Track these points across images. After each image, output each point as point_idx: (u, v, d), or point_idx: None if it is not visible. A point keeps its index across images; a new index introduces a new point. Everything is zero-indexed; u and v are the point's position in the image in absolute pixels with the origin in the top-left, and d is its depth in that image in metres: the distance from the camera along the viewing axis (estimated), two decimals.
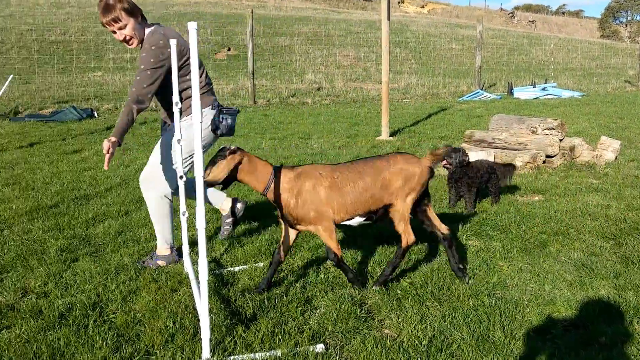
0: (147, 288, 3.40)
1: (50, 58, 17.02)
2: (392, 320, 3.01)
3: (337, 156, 7.47)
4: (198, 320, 2.94)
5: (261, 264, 3.78)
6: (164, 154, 3.80)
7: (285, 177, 3.20)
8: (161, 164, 3.80)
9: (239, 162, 3.16)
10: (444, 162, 5.07)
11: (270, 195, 3.21)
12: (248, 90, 13.62)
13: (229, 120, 3.83)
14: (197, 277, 3.25)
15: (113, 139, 3.44)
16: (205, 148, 3.87)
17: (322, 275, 3.58)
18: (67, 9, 24.23)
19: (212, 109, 3.82)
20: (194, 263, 3.55)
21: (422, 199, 3.40)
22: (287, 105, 13.32)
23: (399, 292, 3.31)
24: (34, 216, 4.93)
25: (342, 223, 3.29)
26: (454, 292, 3.30)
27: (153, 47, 3.54)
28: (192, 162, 3.79)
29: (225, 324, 2.92)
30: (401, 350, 2.69)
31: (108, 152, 3.38)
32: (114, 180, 6.23)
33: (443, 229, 3.43)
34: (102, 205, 5.29)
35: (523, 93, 14.71)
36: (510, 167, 5.35)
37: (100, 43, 18.67)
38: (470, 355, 2.66)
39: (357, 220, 3.32)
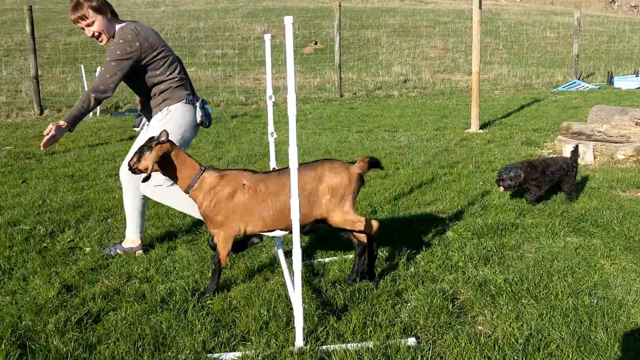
0: (242, 276, 3.51)
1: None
2: (485, 317, 2.94)
3: (425, 149, 7.37)
4: (291, 309, 3.00)
5: (350, 256, 3.80)
6: None
7: (208, 178, 3.16)
8: None
9: (166, 153, 3.12)
10: (502, 188, 4.90)
11: (192, 194, 3.18)
12: (334, 84, 13.68)
13: (209, 110, 3.97)
14: (289, 267, 3.33)
15: (62, 123, 3.54)
16: (189, 140, 3.94)
17: (412, 269, 3.55)
18: (163, 8, 25.29)
19: (185, 102, 3.87)
20: (287, 255, 3.63)
21: None
22: (373, 98, 13.27)
23: (493, 288, 3.23)
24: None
25: (261, 233, 3.25)
26: (551, 290, 3.18)
27: (121, 41, 3.63)
28: None
29: (317, 313, 2.96)
30: (496, 347, 2.63)
31: (48, 134, 3.46)
32: None
33: (361, 237, 3.30)
34: None
35: (624, 82, 13.86)
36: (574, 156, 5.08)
37: (193, 39, 19.37)
38: (571, 356, 2.56)
39: (279, 233, 3.25)
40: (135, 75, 3.75)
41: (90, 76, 12.64)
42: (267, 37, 3.63)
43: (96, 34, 3.72)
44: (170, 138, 3.30)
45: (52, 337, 2.79)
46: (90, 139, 8.83)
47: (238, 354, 2.63)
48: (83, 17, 3.67)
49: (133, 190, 3.99)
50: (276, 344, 2.68)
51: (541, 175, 4.86)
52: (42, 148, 3.54)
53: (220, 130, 9.49)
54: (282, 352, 2.61)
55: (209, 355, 2.63)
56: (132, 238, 4.07)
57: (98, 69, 11.84)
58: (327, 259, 3.80)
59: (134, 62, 3.67)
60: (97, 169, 6.77)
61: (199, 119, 3.89)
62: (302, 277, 3.36)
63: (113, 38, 3.74)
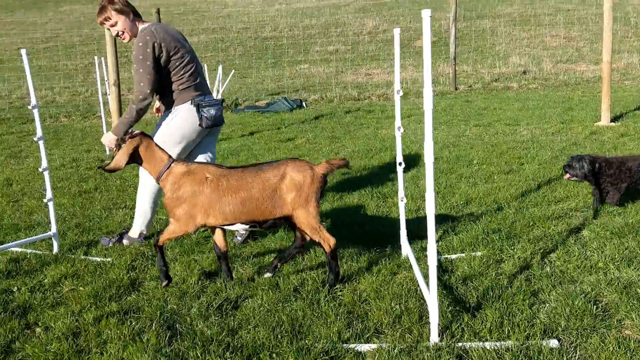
0: (369, 270, 3.54)
1: (263, 53, 18.41)
2: (633, 320, 2.76)
3: (551, 143, 7.03)
4: (422, 304, 2.98)
5: (479, 253, 3.71)
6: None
7: (175, 170, 3.31)
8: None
9: (137, 146, 3.33)
10: (567, 175, 4.53)
11: (161, 183, 3.36)
12: (449, 77, 13.39)
13: (212, 111, 4.02)
14: (417, 262, 3.31)
15: (113, 136, 3.98)
16: (192, 141, 4.10)
17: (547, 269, 3.41)
18: (277, 6, 25.97)
19: (191, 104, 4.02)
20: (420, 250, 3.61)
21: None
22: (490, 91, 12.85)
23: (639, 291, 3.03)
24: None
25: (222, 226, 3.36)
26: None
27: (140, 44, 3.89)
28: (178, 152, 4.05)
29: (449, 310, 2.92)
30: None
31: (109, 146, 4.01)
32: None
33: (307, 238, 3.35)
34: None
35: None
36: None
37: (306, 37, 19.74)
38: None
39: (239, 226, 3.33)
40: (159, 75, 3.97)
41: (211, 74, 13.25)
42: (397, 32, 3.61)
43: (120, 32, 4.03)
44: (169, 138, 3.83)
45: (196, 320, 2.96)
46: None
47: (373, 345, 2.65)
48: (107, 19, 4.00)
49: (151, 185, 4.19)
50: (410, 339, 2.68)
51: (617, 172, 4.46)
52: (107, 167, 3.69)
53: (335, 125, 9.60)
54: (418, 347, 2.60)
55: (345, 345, 2.67)
56: (139, 231, 4.28)
57: (220, 68, 12.39)
58: (453, 256, 3.74)
59: (156, 61, 3.91)
60: (223, 163, 7.08)
61: (198, 121, 4.02)
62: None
63: (135, 37, 4.02)
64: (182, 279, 3.52)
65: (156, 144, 3.43)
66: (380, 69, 15.86)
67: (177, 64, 3.98)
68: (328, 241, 3.29)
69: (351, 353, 2.60)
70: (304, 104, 12.11)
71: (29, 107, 4.15)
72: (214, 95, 12.09)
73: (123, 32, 4.04)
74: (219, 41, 20.09)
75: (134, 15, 4.06)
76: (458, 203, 4.90)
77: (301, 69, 16.49)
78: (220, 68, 12.36)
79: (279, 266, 3.53)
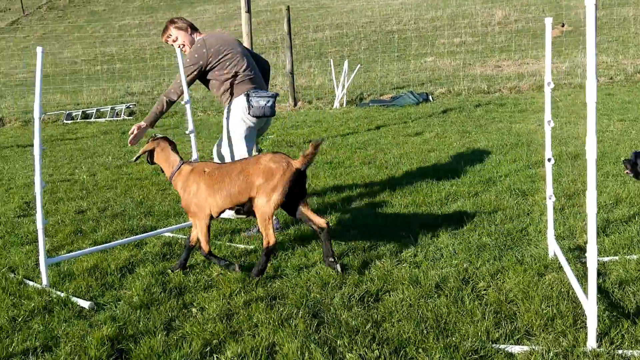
0: (513, 269, 3.41)
1: (387, 47, 18.35)
2: None
3: None
4: (575, 307, 2.84)
5: (634, 256, 3.46)
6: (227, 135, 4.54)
7: (183, 171, 3.71)
8: (229, 144, 4.54)
9: (153, 149, 3.83)
10: (626, 170, 3.98)
11: (173, 182, 3.77)
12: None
13: (262, 102, 4.36)
14: (568, 262, 3.15)
15: (143, 123, 4.41)
16: (252, 127, 4.49)
17: None
18: (400, 0, 25.77)
19: (243, 95, 4.44)
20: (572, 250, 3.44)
21: (298, 197, 3.54)
22: (634, 83, 11.91)
23: None
24: (392, 192, 5.39)
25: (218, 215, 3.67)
26: None
27: (192, 50, 4.49)
28: (231, 140, 4.51)
29: (606, 315, 2.75)
30: None
31: (133, 132, 4.34)
32: (457, 163, 6.42)
33: (320, 222, 3.54)
34: (451, 185, 5.51)
35: None
36: None
37: (431, 29, 19.42)
38: None
39: (228, 213, 3.66)
40: (211, 77, 4.52)
41: (336, 69, 13.41)
42: (548, 21, 3.45)
43: (181, 45, 4.61)
44: (237, 130, 4.38)
45: (340, 310, 3.03)
46: (341, 129, 9.39)
47: (525, 347, 2.56)
48: (169, 36, 4.65)
49: None
50: (566, 343, 2.55)
51: None
52: (129, 145, 4.42)
53: (465, 119, 9.36)
54: (574, 352, 2.48)
55: (494, 345, 2.60)
56: None
57: (345, 63, 12.52)
58: (606, 258, 3.51)
59: (202, 67, 4.46)
60: (352, 156, 7.16)
61: (248, 111, 4.39)
62: (578, 274, 3.16)
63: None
64: (322, 268, 3.61)
65: (172, 148, 3.86)
66: (511, 60, 15.23)
67: (228, 63, 4.49)
68: (269, 238, 3.46)
69: (501, 354, 2.53)
70: (430, 97, 11.92)
71: (182, 102, 4.44)
72: (340, 89, 12.26)
73: (184, 45, 4.63)
74: (343, 36, 20.31)
75: (192, 29, 4.65)
76: (607, 202, 4.59)
77: (426, 62, 16.24)
78: (346, 63, 12.49)
79: (333, 260, 3.56)
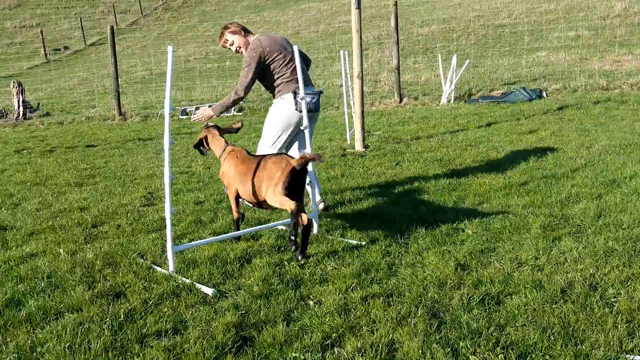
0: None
1: (496, 41, 17.75)
2: None
3: None
4: None
5: None
6: (265, 130, 5.01)
7: (226, 151, 4.36)
8: (266, 139, 4.99)
9: (206, 136, 4.52)
10: None
11: (221, 162, 4.39)
12: None
13: (308, 99, 4.71)
14: None
15: (210, 112, 4.84)
16: (295, 123, 4.87)
17: None
18: None
19: (290, 93, 4.84)
20: None
21: (298, 192, 3.97)
22: None
23: None
24: (507, 192, 5.21)
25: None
26: None
27: (250, 51, 4.81)
28: (279, 135, 4.93)
29: None
30: None
31: (199, 118, 4.88)
32: (578, 162, 6.10)
33: (304, 220, 3.84)
34: (572, 186, 5.24)
35: None
36: None
37: (544, 23, 18.55)
38: None
39: (246, 202, 4.33)
40: (265, 75, 4.90)
41: (444, 64, 13.14)
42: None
43: (237, 48, 4.97)
44: (274, 124, 4.89)
45: (459, 311, 2.97)
46: (449, 125, 9.20)
47: None
48: (226, 41, 4.99)
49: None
50: None
51: None
52: (192, 121, 5.19)
53: (583, 117, 8.88)
54: None
55: (628, 356, 2.45)
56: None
57: (454, 58, 12.25)
58: None
59: (260, 64, 4.79)
60: (462, 154, 7.00)
61: (294, 106, 4.79)
62: None
63: (246, 47, 4.93)
64: (438, 268, 3.55)
65: (220, 134, 4.47)
66: (632, 55, 14.24)
67: (281, 62, 4.86)
68: (302, 219, 3.84)
69: None
70: (544, 93, 11.41)
71: (298, 99, 4.53)
72: (448, 84, 12.01)
73: (240, 47, 4.98)
74: (449, 31, 19.88)
75: (245, 32, 5.00)
76: None
77: (539, 57, 15.55)
78: (454, 58, 12.22)
79: (301, 256, 3.91)
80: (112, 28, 14.08)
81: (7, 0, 37.94)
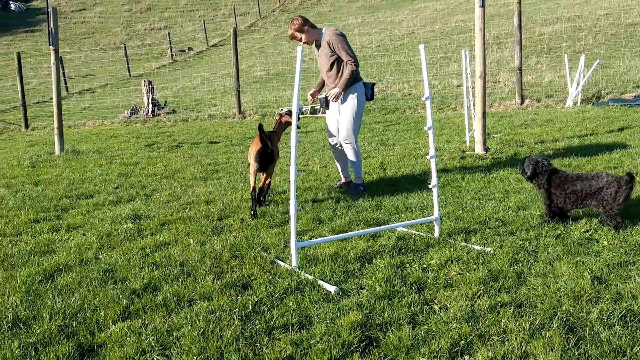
0: None
1: (628, 41, 16.55)
2: None
3: None
4: None
5: None
6: (349, 123, 5.83)
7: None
8: (352, 126, 5.84)
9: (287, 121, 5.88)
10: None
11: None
12: None
13: (370, 89, 5.89)
14: None
15: (339, 89, 5.74)
16: (363, 109, 5.92)
17: None
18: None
19: (362, 82, 5.89)
20: None
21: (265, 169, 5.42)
22: None
23: None
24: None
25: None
26: None
27: (340, 37, 5.69)
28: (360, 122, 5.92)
29: None
30: None
31: (334, 95, 5.75)
32: None
33: (261, 184, 5.49)
34: None
35: None
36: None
37: None
38: None
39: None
40: (334, 66, 5.77)
41: (572, 65, 12.44)
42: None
43: (303, 41, 5.76)
44: (358, 110, 5.84)
45: (598, 327, 2.77)
46: (577, 129, 8.69)
47: None
48: (294, 37, 5.79)
49: (353, 146, 5.90)
50: None
51: (552, 187, 4.42)
52: (332, 100, 5.81)
53: None
54: None
55: None
56: (360, 178, 6.02)
57: (582, 58, 11.55)
58: None
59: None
60: (593, 160, 6.57)
61: (368, 95, 5.88)
62: None
63: (313, 39, 5.79)
64: (572, 279, 3.35)
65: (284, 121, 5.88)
66: None
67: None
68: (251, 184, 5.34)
69: None
70: None
71: (422, 99, 4.45)
72: (574, 86, 11.36)
73: (306, 42, 5.78)
74: (575, 30, 18.81)
75: (310, 26, 5.74)
76: None
77: None
78: (582, 58, 11.53)
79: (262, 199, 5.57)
80: (234, 30, 14.66)
81: (139, 4, 40.70)
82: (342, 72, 5.73)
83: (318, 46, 5.86)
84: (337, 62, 5.75)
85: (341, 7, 36.07)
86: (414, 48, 20.35)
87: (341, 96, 5.78)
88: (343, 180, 6.23)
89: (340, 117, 5.90)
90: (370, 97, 5.88)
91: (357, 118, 5.84)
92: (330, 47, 5.70)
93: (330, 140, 6.10)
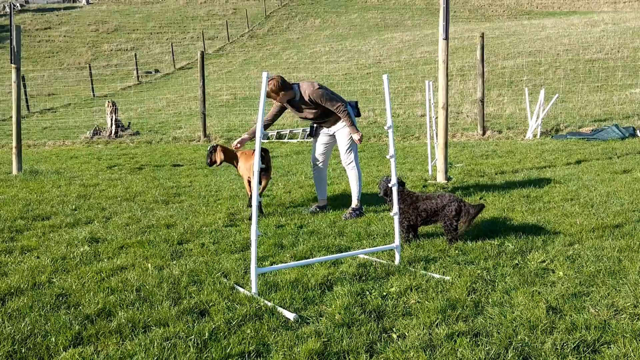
0: None
1: (586, 76, 17.14)
2: None
3: None
4: None
5: None
6: (347, 147, 6.14)
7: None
8: (351, 149, 6.17)
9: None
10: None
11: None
12: None
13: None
14: None
15: (358, 133, 5.96)
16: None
17: None
18: (602, 27, 24.01)
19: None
20: None
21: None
22: None
23: None
24: (601, 234, 4.94)
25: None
26: None
27: (324, 92, 5.91)
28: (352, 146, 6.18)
29: None
30: None
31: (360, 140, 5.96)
32: None
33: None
34: None
35: None
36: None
37: (637, 59, 17.76)
38: None
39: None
40: (327, 111, 6.03)
41: (532, 98, 12.79)
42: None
43: (279, 100, 5.98)
44: (351, 141, 6.13)
45: (552, 357, 2.81)
46: (536, 161, 8.91)
47: None
48: (268, 95, 5.82)
49: (356, 170, 6.19)
50: None
51: (405, 206, 4.94)
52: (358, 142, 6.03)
53: None
54: None
55: None
56: (357, 202, 6.16)
57: (542, 92, 11.91)
58: None
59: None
60: (550, 191, 6.73)
61: (354, 113, 6.11)
62: None
63: (286, 99, 5.98)
64: (527, 309, 3.40)
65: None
66: None
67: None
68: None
69: None
70: (638, 132, 10.87)
71: (385, 128, 4.51)
72: (534, 118, 11.67)
73: (279, 101, 6.04)
74: (536, 64, 19.40)
75: (285, 90, 5.87)
76: None
77: (633, 94, 14.88)
78: (542, 92, 11.89)
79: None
80: (202, 53, 14.67)
81: (106, 25, 40.41)
82: (340, 118, 6.02)
83: (293, 103, 6.06)
84: (321, 105, 5.98)
85: (309, 35, 36.48)
86: (379, 77, 20.65)
87: (332, 126, 6.16)
88: (319, 203, 6.39)
89: (339, 145, 6.19)
90: (356, 114, 6.13)
91: (355, 145, 6.18)
92: (312, 102, 5.93)
93: (314, 162, 6.38)
